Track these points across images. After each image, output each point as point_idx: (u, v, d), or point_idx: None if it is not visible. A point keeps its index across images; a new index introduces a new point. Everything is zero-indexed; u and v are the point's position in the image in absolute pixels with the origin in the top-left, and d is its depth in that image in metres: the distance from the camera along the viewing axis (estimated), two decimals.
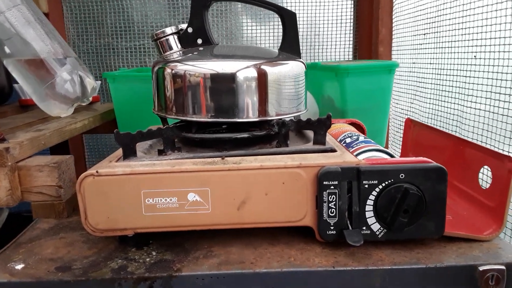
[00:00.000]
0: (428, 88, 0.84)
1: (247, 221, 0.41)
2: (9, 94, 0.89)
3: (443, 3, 0.77)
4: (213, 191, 0.40)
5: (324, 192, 0.40)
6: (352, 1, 1.09)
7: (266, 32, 1.09)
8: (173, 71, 0.49)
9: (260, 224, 0.41)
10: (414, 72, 0.90)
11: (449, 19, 0.75)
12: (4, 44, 0.69)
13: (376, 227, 0.41)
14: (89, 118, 0.71)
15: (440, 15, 0.79)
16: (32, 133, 0.55)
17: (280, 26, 0.56)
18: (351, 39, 1.11)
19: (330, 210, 0.40)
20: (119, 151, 0.45)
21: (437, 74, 0.79)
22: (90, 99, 0.76)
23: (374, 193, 0.40)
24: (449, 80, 0.76)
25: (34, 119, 0.67)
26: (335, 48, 1.11)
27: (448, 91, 0.76)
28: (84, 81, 0.72)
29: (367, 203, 0.40)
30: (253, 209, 0.40)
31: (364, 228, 0.41)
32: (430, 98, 0.83)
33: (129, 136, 0.42)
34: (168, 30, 0.54)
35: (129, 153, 0.42)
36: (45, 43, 0.70)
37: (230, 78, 0.47)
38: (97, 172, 0.39)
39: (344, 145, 0.53)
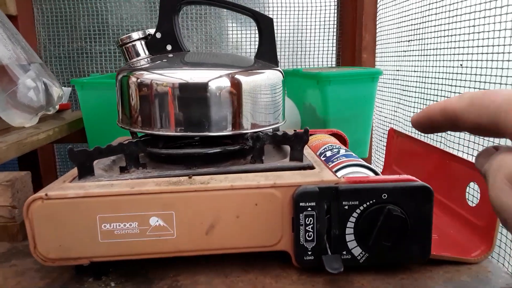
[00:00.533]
0: (412, 97, 0.81)
1: (217, 246, 0.37)
2: None
3: (429, 9, 0.75)
4: (179, 214, 0.36)
5: (301, 214, 0.36)
6: (336, 6, 1.06)
7: (249, 37, 1.06)
8: (139, 80, 0.45)
9: (231, 250, 0.37)
10: (398, 79, 0.87)
11: (435, 25, 0.73)
12: None
13: (357, 251, 0.37)
14: (55, 128, 0.66)
15: (425, 21, 0.76)
16: None
17: None
18: (335, 45, 1.09)
19: (307, 233, 0.37)
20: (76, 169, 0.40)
21: (422, 82, 0.77)
22: (57, 107, 0.72)
23: (355, 214, 0.37)
24: (434, 89, 0.73)
25: None
26: (318, 54, 1.08)
27: (433, 100, 0.74)
28: (49, 88, 0.67)
29: (347, 226, 0.37)
30: (223, 234, 0.37)
31: (345, 252, 0.37)
32: (414, 107, 0.81)
33: (85, 154, 0.38)
34: (135, 35, 0.50)
35: (85, 172, 0.38)
36: (7, 48, 0.65)
37: (201, 88, 0.44)
38: (46, 195, 0.34)
39: (324, 158, 0.50)
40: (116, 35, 1.02)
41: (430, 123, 0.27)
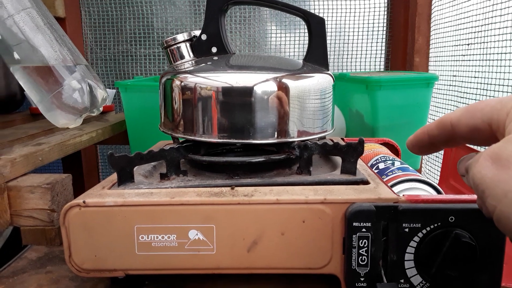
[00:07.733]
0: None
1: (259, 265, 0.34)
2: (21, 101, 0.86)
3: (492, 10, 0.69)
4: (219, 228, 0.33)
5: (354, 235, 0.32)
6: (386, 7, 1.01)
7: (292, 40, 1.03)
8: (182, 83, 0.43)
9: (274, 270, 0.34)
10: (455, 86, 0.81)
11: (499, 28, 0.67)
12: (13, 50, 0.65)
13: (417, 280, 0.33)
14: (98, 130, 0.66)
15: (487, 23, 0.70)
16: (30, 147, 0.50)
17: None
18: (384, 48, 1.03)
19: (360, 257, 0.33)
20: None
21: (483, 89, 0.71)
22: (101, 109, 0.72)
23: (416, 238, 0.32)
24: (498, 97, 0.67)
25: (38, 130, 0.62)
26: (366, 58, 1.03)
27: None
28: (94, 90, 0.67)
29: (406, 251, 0.33)
30: (266, 252, 0.34)
31: (402, 281, 0.33)
32: None
33: (125, 159, 0.36)
34: (180, 37, 0.48)
35: (125, 178, 0.36)
36: (54, 50, 0.66)
37: (246, 93, 0.41)
38: (84, 202, 0.33)
39: (376, 171, 0.46)
40: (161, 38, 1.02)
41: (428, 138, 0.29)
